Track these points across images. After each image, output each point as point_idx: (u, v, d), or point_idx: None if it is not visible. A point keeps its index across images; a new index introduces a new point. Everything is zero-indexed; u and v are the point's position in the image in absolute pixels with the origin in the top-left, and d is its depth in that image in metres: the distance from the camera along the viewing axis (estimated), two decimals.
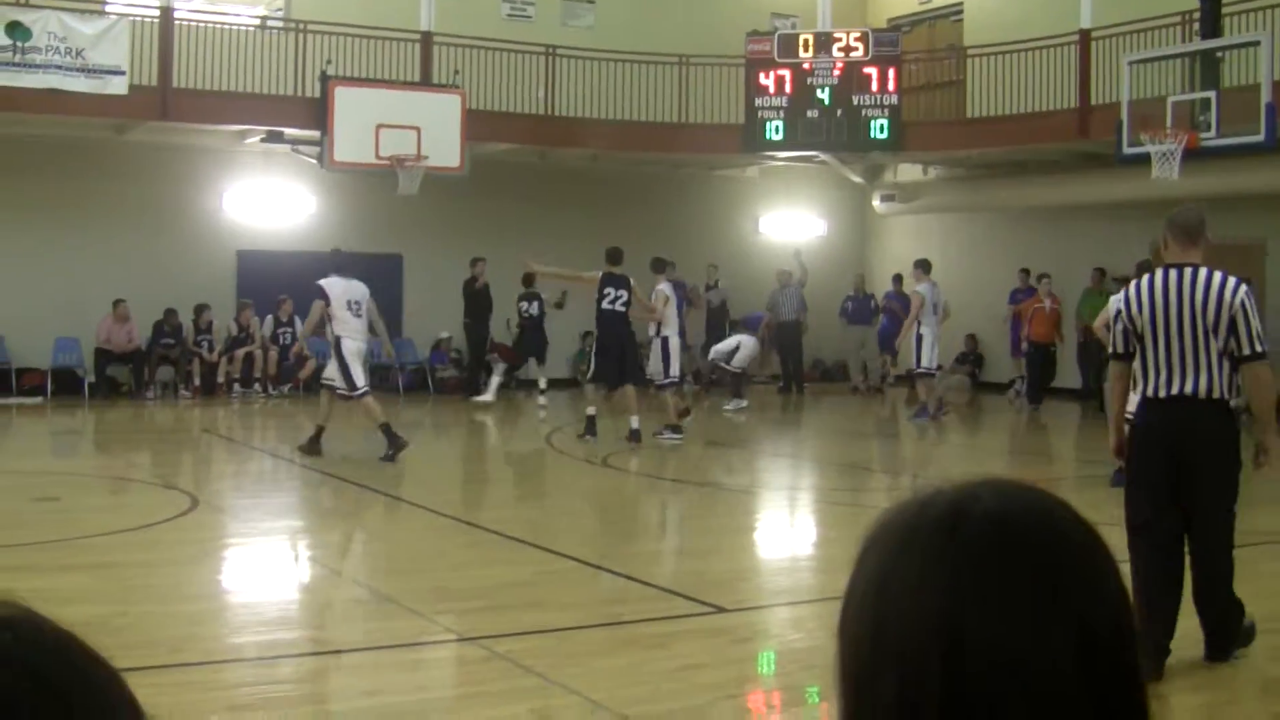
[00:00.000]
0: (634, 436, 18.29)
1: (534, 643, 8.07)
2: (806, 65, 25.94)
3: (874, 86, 25.82)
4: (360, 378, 16.71)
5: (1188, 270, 7.46)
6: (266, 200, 26.05)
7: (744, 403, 24.62)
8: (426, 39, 24.96)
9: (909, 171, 29.44)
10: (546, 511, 12.37)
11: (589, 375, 19.08)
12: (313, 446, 16.62)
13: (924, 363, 22.18)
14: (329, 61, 23.89)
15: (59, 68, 21.77)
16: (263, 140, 24.48)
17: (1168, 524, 7.40)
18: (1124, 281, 25.13)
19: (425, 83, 24.71)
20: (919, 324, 22.06)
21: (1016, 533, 1.33)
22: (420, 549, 11.51)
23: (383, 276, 26.49)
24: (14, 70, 21.50)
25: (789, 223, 30.41)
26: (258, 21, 26.34)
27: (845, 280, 29.48)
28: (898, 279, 27.77)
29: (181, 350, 24.52)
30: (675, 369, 19.64)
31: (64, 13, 22.10)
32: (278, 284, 25.21)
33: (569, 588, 9.86)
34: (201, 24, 24.32)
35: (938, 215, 29.33)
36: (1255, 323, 7.39)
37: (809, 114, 25.93)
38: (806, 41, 26.13)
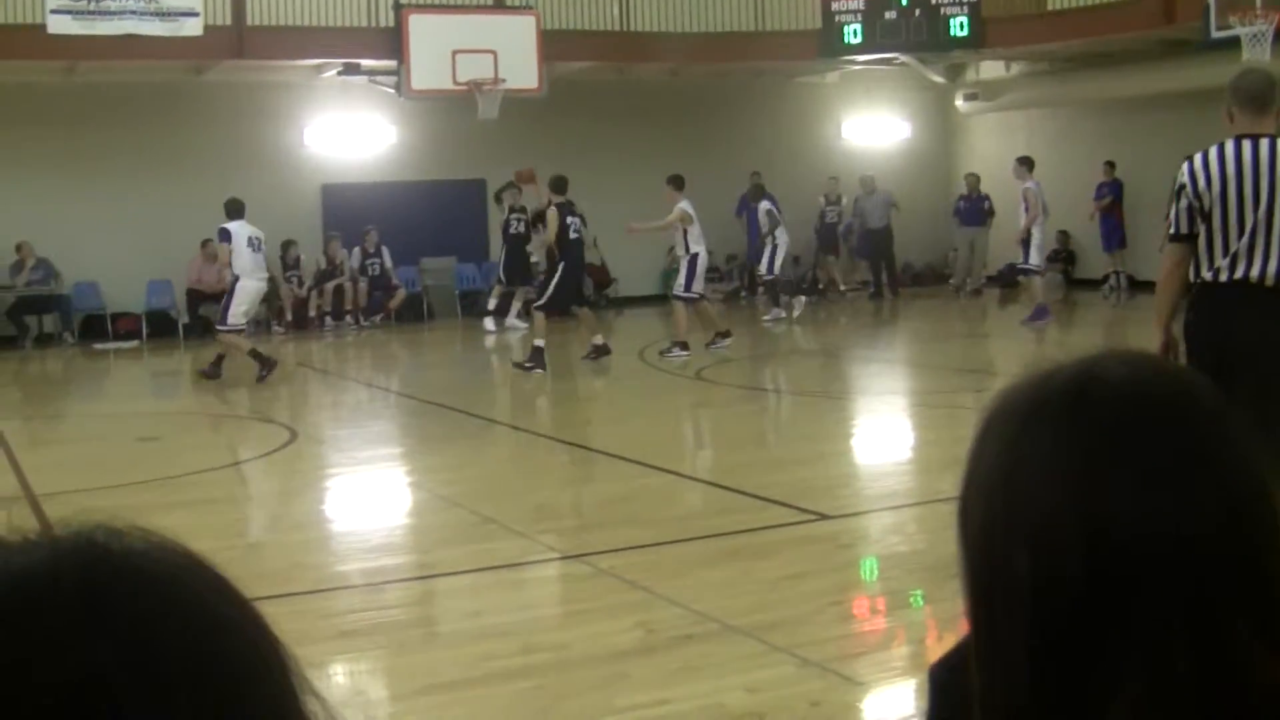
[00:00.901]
0: (599, 351, 18.32)
1: (636, 557, 8.09)
2: None
3: None
4: (236, 316, 17.94)
5: (1264, 141, 6.62)
6: (347, 133, 26.11)
7: (782, 312, 24.24)
8: None
9: (991, 69, 29.02)
10: (642, 426, 12.38)
11: (541, 304, 17.95)
12: (214, 371, 17.78)
13: (1033, 260, 21.80)
14: None
15: (134, 13, 21.85)
16: (340, 73, 24.48)
17: None
18: None
19: (499, 5, 24.62)
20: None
21: (1150, 400, 1.27)
22: (519, 470, 11.57)
23: (466, 202, 26.62)
24: (90, 18, 21.61)
25: (871, 127, 30.09)
26: None
27: (928, 182, 29.21)
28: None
29: (272, 286, 24.68)
30: (699, 285, 19.47)
31: None
32: (363, 216, 25.32)
33: (669, 502, 9.87)
34: None
35: (1022, 112, 28.90)
36: None
37: (887, 15, 25.57)
38: None
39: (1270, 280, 6.48)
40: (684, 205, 19.35)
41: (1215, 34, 20.76)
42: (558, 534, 8.98)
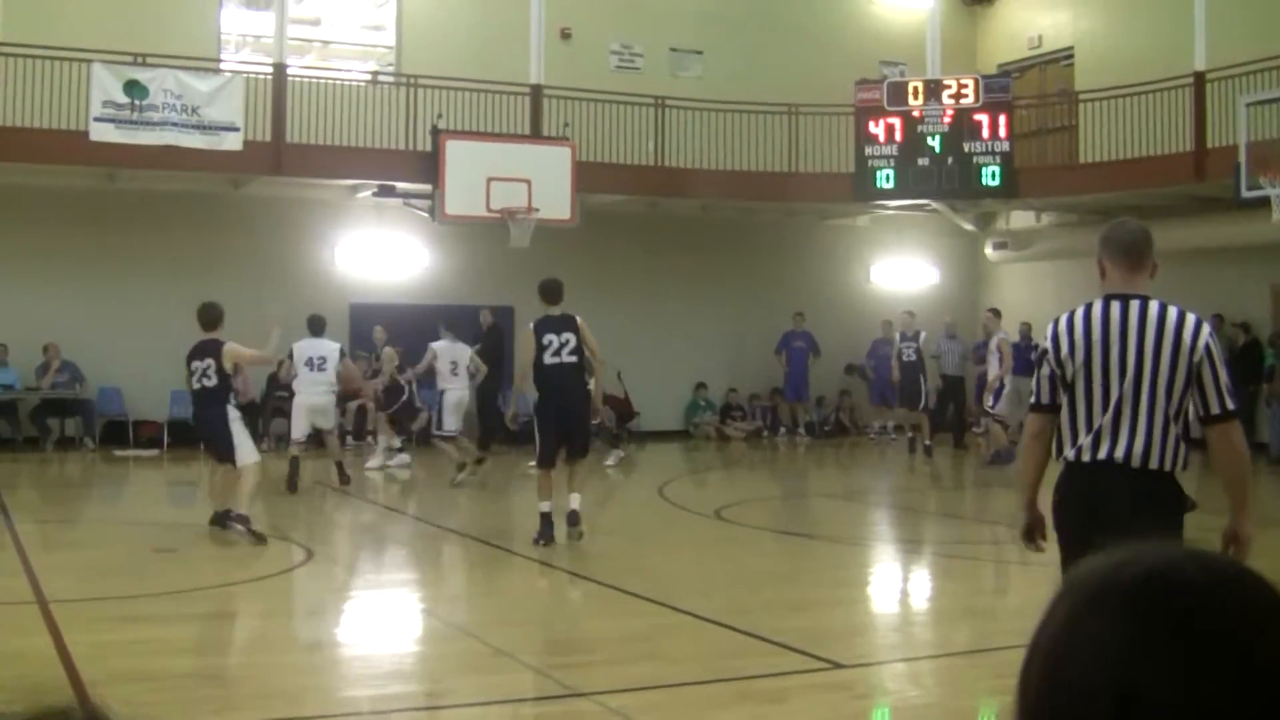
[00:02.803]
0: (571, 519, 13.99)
1: (648, 698, 7.99)
2: (916, 113, 25.82)
3: (985, 133, 25.64)
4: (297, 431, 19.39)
5: (1135, 302, 5.89)
6: (378, 253, 26.28)
7: (621, 453, 23.21)
8: (536, 92, 25.12)
9: (1022, 218, 29.16)
10: (659, 564, 12.31)
11: (540, 459, 14.24)
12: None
13: (1000, 408, 22.44)
14: (439, 115, 24.10)
15: (175, 124, 22.13)
16: (375, 194, 24.71)
17: None
18: (1243, 328, 25.04)
19: (535, 135, 24.85)
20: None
21: (1216, 612, 1.26)
22: (533, 601, 11.48)
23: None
24: (132, 127, 21.89)
25: (900, 271, 30.21)
26: (369, 76, 26.72)
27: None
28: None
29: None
30: (451, 422, 20.72)
31: (180, 70, 22.48)
32: (390, 337, 25.37)
33: (682, 641, 9.77)
34: (314, 80, 24.70)
35: (1051, 261, 28.99)
36: (1224, 373, 5.87)
37: (919, 161, 25.78)
38: (916, 89, 26.01)
39: (1136, 461, 5.73)
40: (434, 345, 20.04)
41: (1246, 194, 20.88)
42: (569, 669, 8.88)
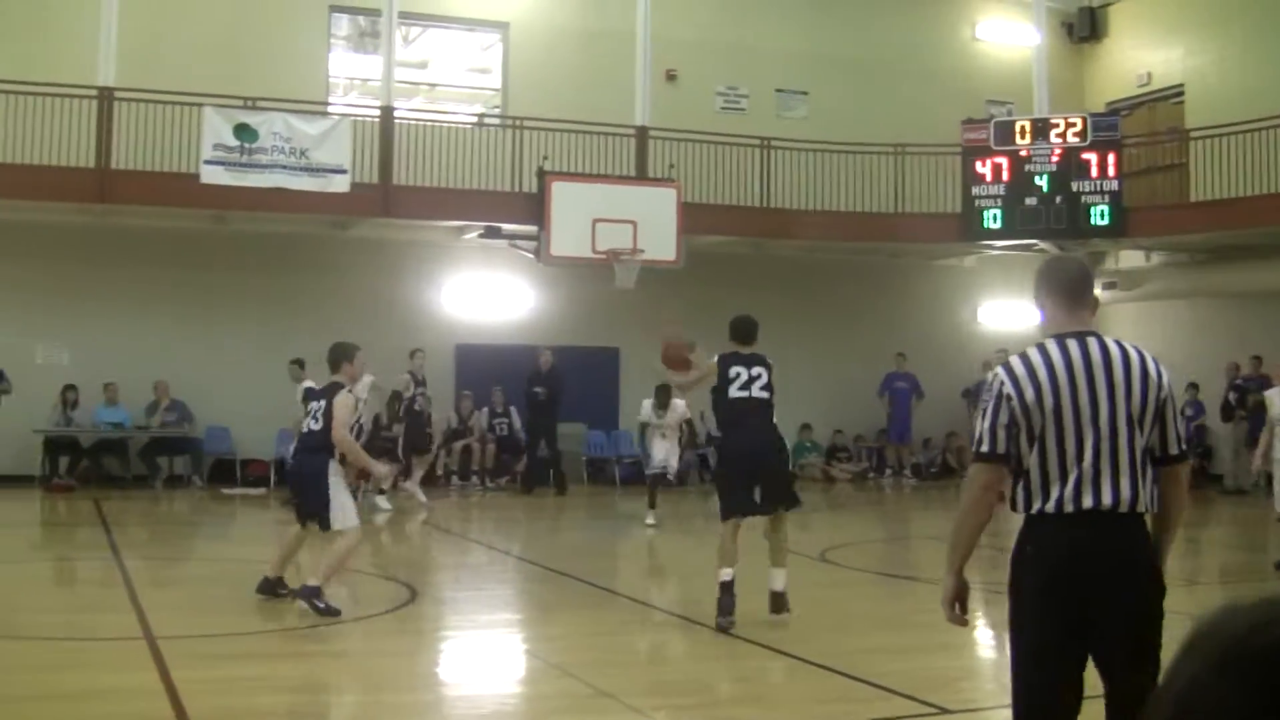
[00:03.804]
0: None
1: None
2: (1024, 152, 25.60)
3: (1094, 172, 25.36)
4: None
5: (1092, 340, 5.52)
6: (484, 294, 26.41)
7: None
8: (642, 133, 25.17)
9: (1131, 258, 28.79)
10: (764, 607, 12.19)
11: (724, 510, 11.95)
12: None
13: None
14: (545, 157, 24.19)
15: (284, 167, 22.38)
16: (481, 235, 24.84)
17: (1071, 707, 5.31)
18: None
19: (641, 176, 24.88)
20: None
21: None
22: (637, 643, 11.41)
23: (599, 369, 26.71)
24: (241, 170, 22.17)
25: (1008, 312, 29.91)
26: (475, 119, 26.92)
27: None
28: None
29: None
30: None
31: (289, 114, 22.75)
32: (495, 377, 25.50)
33: (787, 685, 9.67)
34: (420, 122, 24.90)
35: (1161, 302, 28.61)
36: (1180, 414, 5.61)
37: (1027, 201, 25.55)
38: (1023, 128, 25.79)
39: (1125, 506, 5.29)
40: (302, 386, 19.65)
41: None
42: (672, 711, 8.80)
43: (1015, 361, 5.53)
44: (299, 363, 21.46)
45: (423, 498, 22.28)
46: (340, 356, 12.97)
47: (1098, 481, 5.28)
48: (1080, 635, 5.19)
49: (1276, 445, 15.93)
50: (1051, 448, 5.33)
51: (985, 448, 5.44)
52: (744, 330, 12.62)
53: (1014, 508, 5.47)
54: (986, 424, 5.45)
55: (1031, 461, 5.37)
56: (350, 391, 12.88)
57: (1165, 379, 5.47)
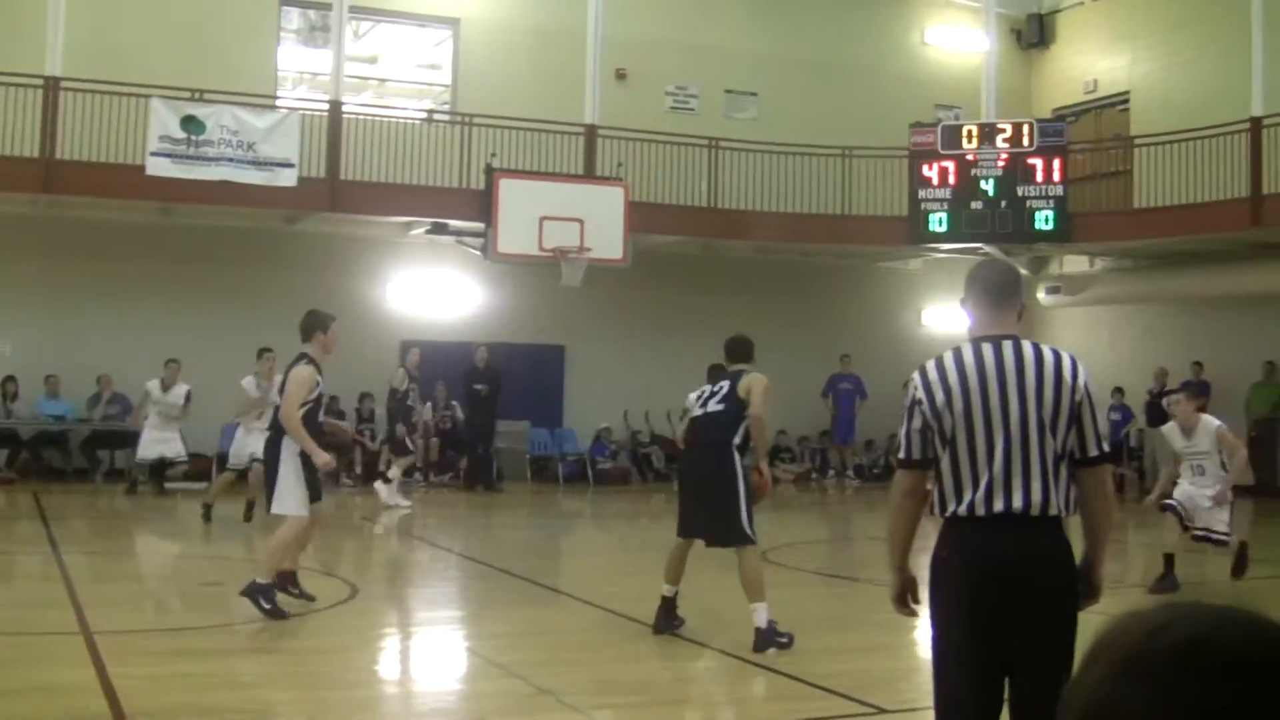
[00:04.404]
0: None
1: None
2: (970, 156, 25.74)
3: (1039, 177, 25.51)
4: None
5: (1008, 344, 5.46)
6: (430, 291, 26.35)
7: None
8: (591, 132, 25.17)
9: (1075, 263, 29.01)
10: (706, 605, 12.21)
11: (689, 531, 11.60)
12: None
13: None
14: (494, 154, 24.16)
15: (231, 160, 22.28)
16: (428, 231, 24.79)
17: (989, 707, 5.30)
18: None
19: (589, 175, 24.88)
20: None
21: (1256, 682, 1.20)
22: (579, 642, 11.41)
23: (545, 367, 26.70)
24: (188, 162, 22.05)
25: (952, 316, 30.04)
26: (424, 115, 26.84)
27: None
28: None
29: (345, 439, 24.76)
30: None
31: (237, 107, 22.64)
32: (441, 374, 25.41)
33: (729, 685, 9.70)
34: (369, 117, 24.82)
35: (1105, 307, 28.83)
36: (1101, 415, 5.57)
37: (973, 205, 25.69)
38: (970, 133, 25.93)
39: (1036, 510, 5.26)
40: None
41: None
42: (614, 710, 8.81)
43: (929, 365, 5.54)
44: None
45: (401, 500, 22.07)
46: (314, 325, 12.08)
47: (1009, 484, 5.26)
48: (994, 637, 5.18)
49: (1186, 477, 14.52)
50: (963, 451, 5.33)
51: (903, 454, 5.52)
52: (728, 348, 12.07)
53: (932, 511, 5.48)
54: (904, 430, 5.51)
55: (944, 465, 5.38)
56: (309, 364, 11.79)
57: (1081, 381, 5.39)
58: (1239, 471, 14.56)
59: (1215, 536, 14.26)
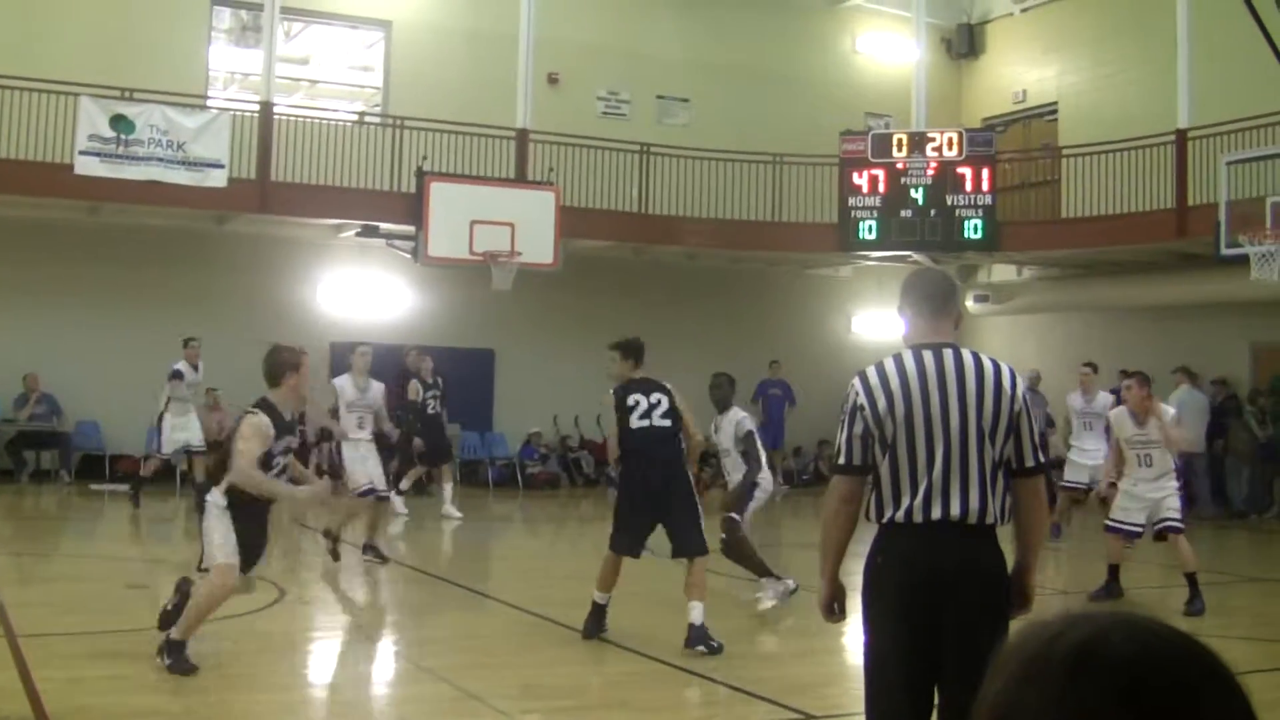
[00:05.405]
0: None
1: None
2: (900, 165, 25.90)
3: (968, 186, 25.71)
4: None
5: (948, 352, 5.50)
6: (360, 293, 26.28)
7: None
8: (522, 136, 25.16)
9: (1003, 271, 29.26)
10: (634, 611, 12.24)
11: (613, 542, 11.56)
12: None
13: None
14: (425, 157, 24.13)
15: (161, 160, 22.15)
16: (358, 234, 24.71)
17: (921, 714, 5.31)
18: (1221, 384, 25.01)
19: (520, 179, 24.87)
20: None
21: (1144, 686, 1.26)
22: (507, 646, 11.41)
23: (475, 371, 26.68)
24: (117, 161, 21.91)
25: (881, 323, 30.25)
26: (355, 117, 26.77)
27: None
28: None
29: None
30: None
31: (167, 106, 22.51)
32: (371, 377, 25.24)
33: (655, 690, 9.73)
34: (300, 119, 24.70)
35: (1032, 316, 29.09)
36: (1036, 425, 5.58)
37: (902, 213, 25.85)
38: (900, 141, 26.09)
39: (973, 518, 5.30)
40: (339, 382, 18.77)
41: (1225, 251, 21.02)
42: (541, 714, 8.84)
43: (870, 371, 5.56)
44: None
45: (402, 509, 21.29)
46: (283, 365, 9.87)
47: (947, 492, 5.29)
48: (927, 644, 5.20)
49: (1132, 470, 14.14)
50: (902, 457, 5.35)
51: (842, 459, 5.52)
52: (637, 351, 12.06)
53: (868, 517, 5.50)
54: (844, 435, 5.52)
55: (883, 471, 5.40)
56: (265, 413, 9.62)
57: (1020, 391, 5.46)
58: (1178, 440, 14.31)
59: (1172, 524, 13.91)
